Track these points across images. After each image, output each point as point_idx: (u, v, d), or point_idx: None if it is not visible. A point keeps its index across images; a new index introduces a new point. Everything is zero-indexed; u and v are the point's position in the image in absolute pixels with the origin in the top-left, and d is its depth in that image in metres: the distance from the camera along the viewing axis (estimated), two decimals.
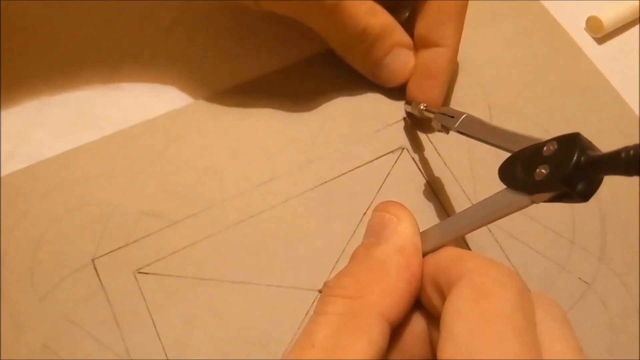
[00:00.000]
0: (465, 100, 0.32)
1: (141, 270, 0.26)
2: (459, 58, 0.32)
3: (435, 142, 0.30)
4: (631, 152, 0.14)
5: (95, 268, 0.26)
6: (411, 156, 0.30)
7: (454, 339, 0.15)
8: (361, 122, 0.31)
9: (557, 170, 0.16)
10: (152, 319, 0.26)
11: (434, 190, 0.29)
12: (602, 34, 0.36)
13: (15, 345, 0.25)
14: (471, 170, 0.30)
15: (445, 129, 0.26)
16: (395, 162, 0.30)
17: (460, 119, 0.24)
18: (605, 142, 0.31)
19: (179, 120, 0.30)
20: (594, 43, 0.36)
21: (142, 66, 0.32)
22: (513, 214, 0.19)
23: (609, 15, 0.35)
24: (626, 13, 0.36)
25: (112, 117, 0.30)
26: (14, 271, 0.26)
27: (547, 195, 0.17)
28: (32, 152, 0.29)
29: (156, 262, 0.27)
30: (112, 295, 0.26)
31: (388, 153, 0.30)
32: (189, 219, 0.28)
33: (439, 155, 0.30)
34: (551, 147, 0.17)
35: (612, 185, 0.30)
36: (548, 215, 0.29)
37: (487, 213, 0.18)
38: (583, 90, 0.33)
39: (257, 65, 0.32)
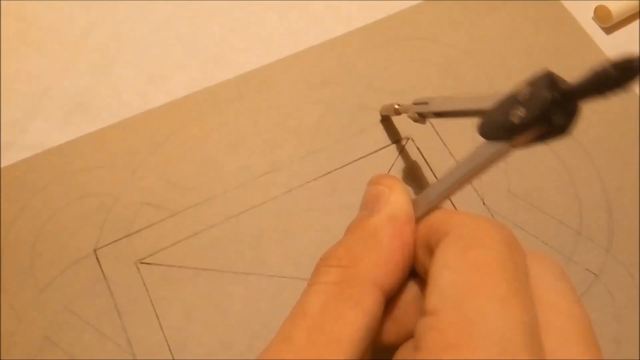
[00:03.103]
0: (471, 88, 0.31)
1: (143, 261, 0.26)
2: (465, 47, 0.32)
3: (441, 132, 0.30)
4: (602, 70, 0.14)
5: (97, 259, 0.26)
6: (416, 146, 0.29)
7: (440, 290, 0.15)
8: (363, 113, 0.30)
9: (532, 108, 0.16)
10: (154, 310, 0.25)
11: None
12: (611, 24, 0.35)
13: (16, 336, 0.25)
14: None
15: (422, 118, 0.25)
16: (400, 153, 0.29)
17: (433, 101, 0.24)
18: (612, 131, 0.31)
19: (179, 111, 0.30)
20: (602, 33, 0.35)
21: (141, 56, 0.32)
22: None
23: (618, 4, 0.35)
24: (635, 2, 0.35)
25: (111, 107, 0.30)
26: (14, 263, 0.26)
27: (526, 137, 0.16)
28: (31, 141, 0.29)
29: (158, 252, 0.26)
30: (114, 286, 0.26)
31: (393, 143, 0.30)
32: (190, 209, 0.27)
33: (445, 145, 0.30)
34: (525, 92, 0.17)
35: (619, 176, 0.29)
36: (554, 205, 0.28)
37: (471, 168, 0.18)
38: None
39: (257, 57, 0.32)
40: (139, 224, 0.27)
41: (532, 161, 0.29)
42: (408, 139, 0.30)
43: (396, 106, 0.28)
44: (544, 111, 0.16)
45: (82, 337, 0.25)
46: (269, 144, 0.29)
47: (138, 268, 0.26)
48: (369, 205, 0.19)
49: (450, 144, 0.30)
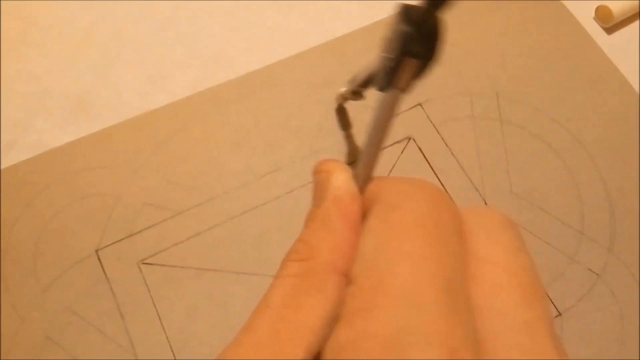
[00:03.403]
0: (473, 89, 0.31)
1: (145, 261, 0.26)
2: (467, 47, 0.32)
3: (443, 132, 0.30)
4: None
5: (99, 259, 0.26)
6: (418, 146, 0.29)
7: (361, 257, 0.15)
8: (366, 112, 0.30)
9: (394, 48, 0.16)
10: (156, 310, 0.25)
11: (441, 181, 0.29)
12: (612, 24, 0.35)
13: (18, 336, 0.25)
14: (478, 160, 0.29)
15: (357, 95, 0.26)
16: (401, 153, 0.29)
17: (357, 75, 0.25)
18: (614, 131, 0.31)
19: (181, 111, 0.30)
20: (603, 33, 0.35)
21: (143, 55, 0.32)
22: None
23: (619, 4, 0.35)
24: (636, 2, 0.35)
25: (113, 107, 0.30)
26: (16, 262, 0.26)
27: (405, 77, 0.16)
28: (32, 141, 0.29)
29: (160, 253, 0.26)
30: (116, 286, 0.26)
31: (394, 143, 0.30)
32: (192, 209, 0.27)
33: (446, 145, 0.30)
34: (390, 35, 0.17)
35: (621, 176, 0.29)
36: (556, 205, 0.28)
37: (376, 125, 0.18)
38: (592, 79, 0.32)
39: (260, 57, 0.32)
40: (141, 224, 0.27)
41: (534, 162, 0.29)
42: (410, 138, 0.30)
43: (342, 91, 0.29)
44: (403, 47, 0.16)
45: (84, 338, 0.25)
46: (270, 144, 0.29)
47: (140, 268, 0.26)
48: (316, 195, 0.19)
49: (451, 144, 0.30)
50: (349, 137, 0.30)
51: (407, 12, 0.16)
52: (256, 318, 0.16)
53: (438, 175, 0.29)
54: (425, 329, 0.12)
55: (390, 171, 0.29)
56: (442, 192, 0.16)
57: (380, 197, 0.16)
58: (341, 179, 0.19)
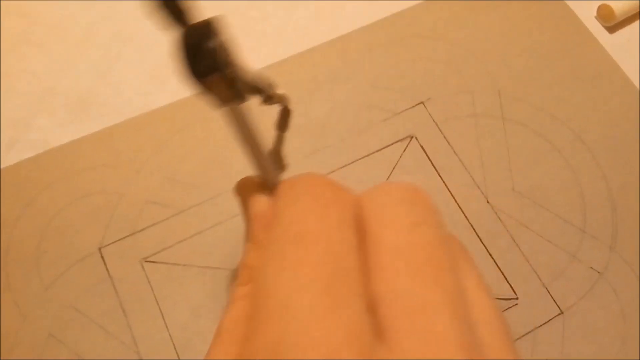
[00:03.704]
0: (475, 87, 0.31)
1: (148, 259, 0.26)
2: (469, 45, 0.32)
3: (445, 130, 0.30)
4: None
5: (102, 257, 0.26)
6: (420, 144, 0.30)
7: (256, 272, 0.15)
8: (369, 111, 0.30)
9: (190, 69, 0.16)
10: (159, 308, 0.25)
11: (443, 179, 0.29)
12: (613, 23, 0.35)
13: (21, 334, 0.25)
14: (480, 158, 0.29)
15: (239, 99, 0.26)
16: (403, 151, 0.29)
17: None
18: (616, 129, 0.31)
19: (183, 110, 0.30)
20: (605, 32, 0.35)
21: (145, 54, 0.32)
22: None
23: (620, 3, 0.35)
24: (637, 2, 0.35)
25: (115, 106, 0.30)
26: (19, 260, 0.26)
27: (217, 92, 0.16)
28: (35, 140, 0.29)
29: (162, 251, 0.26)
30: (119, 284, 0.26)
31: (396, 142, 0.30)
32: (195, 208, 0.27)
33: (448, 143, 0.30)
34: None
35: (623, 174, 0.29)
36: (558, 203, 0.29)
37: (238, 138, 0.18)
38: (594, 78, 0.32)
39: (264, 55, 0.32)
40: (144, 222, 0.27)
41: (536, 160, 0.30)
42: (412, 137, 0.30)
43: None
44: (188, 68, 0.15)
45: (87, 335, 0.25)
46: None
47: (143, 266, 0.26)
48: (244, 218, 0.19)
49: (453, 142, 0.30)
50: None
51: (183, 39, 0.15)
52: (213, 345, 0.16)
53: (440, 174, 0.29)
54: (298, 339, 0.12)
55: (393, 169, 0.29)
56: (327, 185, 0.16)
57: (274, 206, 0.16)
58: (252, 197, 0.19)
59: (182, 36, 0.15)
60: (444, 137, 0.30)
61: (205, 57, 0.15)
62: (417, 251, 0.14)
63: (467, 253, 0.17)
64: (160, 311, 0.25)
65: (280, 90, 0.20)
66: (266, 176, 0.19)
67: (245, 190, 0.19)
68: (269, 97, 0.22)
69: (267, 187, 0.19)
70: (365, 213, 0.15)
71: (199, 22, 0.15)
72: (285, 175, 0.21)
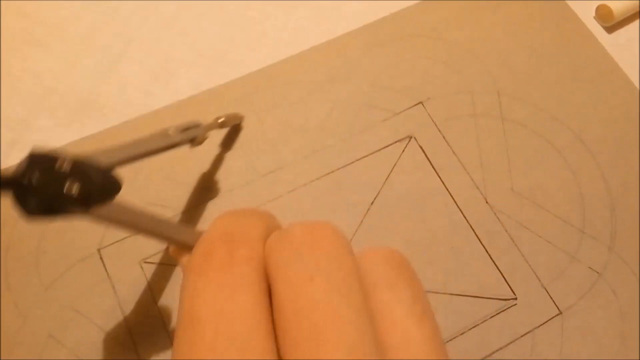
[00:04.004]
0: (474, 87, 0.31)
1: (147, 260, 0.26)
2: (469, 45, 0.32)
3: (444, 131, 0.30)
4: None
5: (101, 258, 0.26)
6: (419, 145, 0.30)
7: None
8: (368, 111, 0.30)
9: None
10: (158, 308, 0.25)
11: (442, 179, 0.29)
12: (612, 23, 0.35)
13: (21, 334, 0.25)
14: (480, 158, 0.29)
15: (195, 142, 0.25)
16: (402, 151, 0.29)
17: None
18: (616, 129, 0.31)
19: (184, 111, 0.30)
20: (604, 32, 0.35)
21: (146, 55, 0.32)
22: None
23: (619, 3, 0.35)
24: (636, 2, 0.35)
25: (116, 106, 0.30)
26: (19, 261, 0.26)
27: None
28: (36, 140, 0.29)
29: (161, 251, 0.26)
30: (118, 285, 0.26)
31: (395, 142, 0.30)
32: (195, 208, 0.27)
33: (448, 144, 0.30)
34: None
35: (622, 175, 0.29)
36: (558, 204, 0.29)
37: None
38: (594, 78, 0.32)
39: (264, 55, 0.32)
40: None
41: (535, 160, 0.30)
42: (411, 137, 0.30)
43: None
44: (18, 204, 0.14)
45: (87, 336, 0.25)
46: (274, 142, 0.29)
47: (142, 267, 0.26)
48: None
49: (452, 142, 0.30)
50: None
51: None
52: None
53: (439, 174, 0.29)
54: None
55: (392, 170, 0.29)
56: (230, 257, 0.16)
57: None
58: (182, 260, 0.19)
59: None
60: (443, 137, 0.30)
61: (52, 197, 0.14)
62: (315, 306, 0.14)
63: (404, 274, 0.18)
64: (160, 312, 0.25)
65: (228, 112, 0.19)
66: (181, 242, 0.19)
67: (178, 257, 0.20)
68: (201, 139, 0.24)
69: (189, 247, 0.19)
70: (269, 269, 0.16)
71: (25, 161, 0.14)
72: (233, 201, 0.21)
